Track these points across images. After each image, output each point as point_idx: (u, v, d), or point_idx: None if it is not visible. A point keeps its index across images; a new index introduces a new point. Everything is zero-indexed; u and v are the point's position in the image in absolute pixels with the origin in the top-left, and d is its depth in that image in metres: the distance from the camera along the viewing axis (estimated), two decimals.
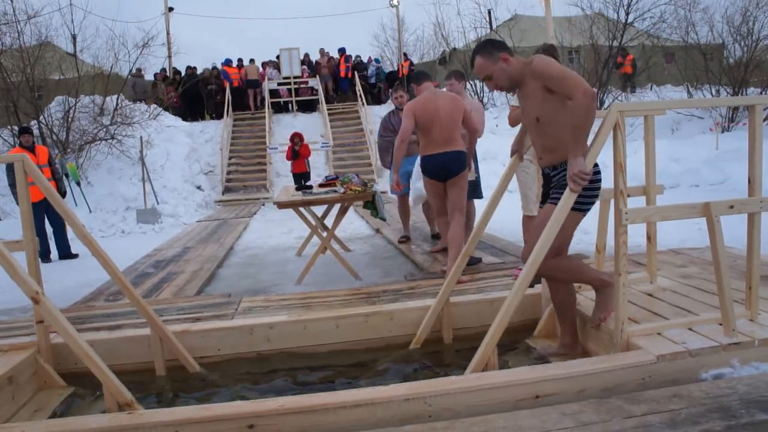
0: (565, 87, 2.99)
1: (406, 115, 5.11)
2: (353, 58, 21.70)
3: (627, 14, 17.65)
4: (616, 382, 2.89)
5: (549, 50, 4.33)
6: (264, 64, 20.93)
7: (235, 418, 2.72)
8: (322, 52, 21.47)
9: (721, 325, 3.17)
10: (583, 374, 2.90)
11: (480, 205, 5.12)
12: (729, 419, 2.39)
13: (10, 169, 7.93)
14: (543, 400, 2.82)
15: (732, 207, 3.17)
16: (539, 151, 3.36)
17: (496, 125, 15.48)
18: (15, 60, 13.74)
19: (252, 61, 20.65)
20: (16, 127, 12.13)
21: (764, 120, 11.96)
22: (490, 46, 3.27)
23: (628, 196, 3.14)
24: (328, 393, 2.95)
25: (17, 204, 4.51)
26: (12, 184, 7.83)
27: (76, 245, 8.06)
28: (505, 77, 3.23)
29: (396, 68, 23.54)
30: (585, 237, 6.07)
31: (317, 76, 20.50)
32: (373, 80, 21.53)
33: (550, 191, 3.32)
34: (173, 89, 19.11)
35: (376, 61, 23.09)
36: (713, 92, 15.66)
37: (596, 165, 3.17)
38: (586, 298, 3.96)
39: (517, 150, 3.86)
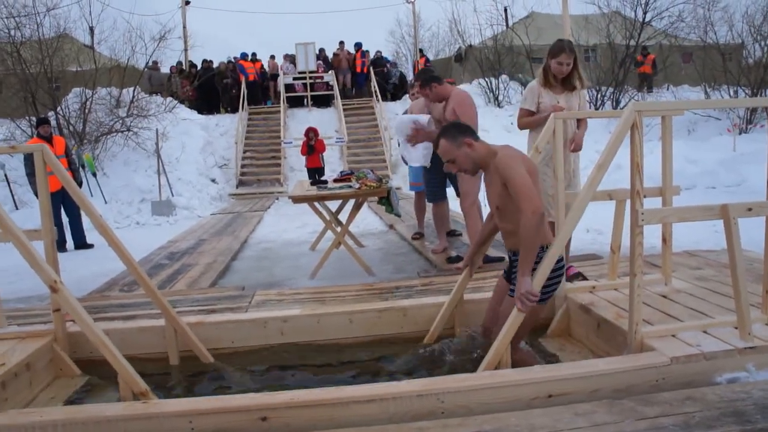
0: (518, 198, 3.03)
1: (472, 110, 5.33)
2: (371, 55, 21.67)
3: (645, 13, 17.52)
4: (630, 383, 2.88)
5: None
6: (284, 57, 21.10)
7: (248, 409, 2.74)
8: (342, 45, 21.50)
9: (736, 328, 3.14)
10: (597, 374, 2.89)
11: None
12: (743, 424, 2.38)
13: (28, 158, 8.01)
14: (556, 399, 2.82)
15: (750, 210, 3.14)
16: (502, 233, 3.41)
17: (511, 123, 15.43)
18: (34, 51, 13.89)
19: (272, 57, 21.54)
20: (34, 118, 12.25)
21: None
22: (454, 130, 3.30)
23: (644, 197, 3.12)
24: (340, 387, 2.96)
25: (35, 194, 4.56)
26: (30, 174, 7.90)
27: (91, 235, 8.12)
28: (468, 162, 3.26)
29: (412, 65, 23.49)
30: (599, 237, 6.03)
31: (333, 70, 20.54)
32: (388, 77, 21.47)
33: (513, 280, 3.32)
34: (189, 82, 19.22)
35: (386, 59, 23.01)
36: (731, 93, 15.47)
37: (560, 260, 3.21)
38: (600, 298, 3.94)
39: (468, 266, 3.80)
